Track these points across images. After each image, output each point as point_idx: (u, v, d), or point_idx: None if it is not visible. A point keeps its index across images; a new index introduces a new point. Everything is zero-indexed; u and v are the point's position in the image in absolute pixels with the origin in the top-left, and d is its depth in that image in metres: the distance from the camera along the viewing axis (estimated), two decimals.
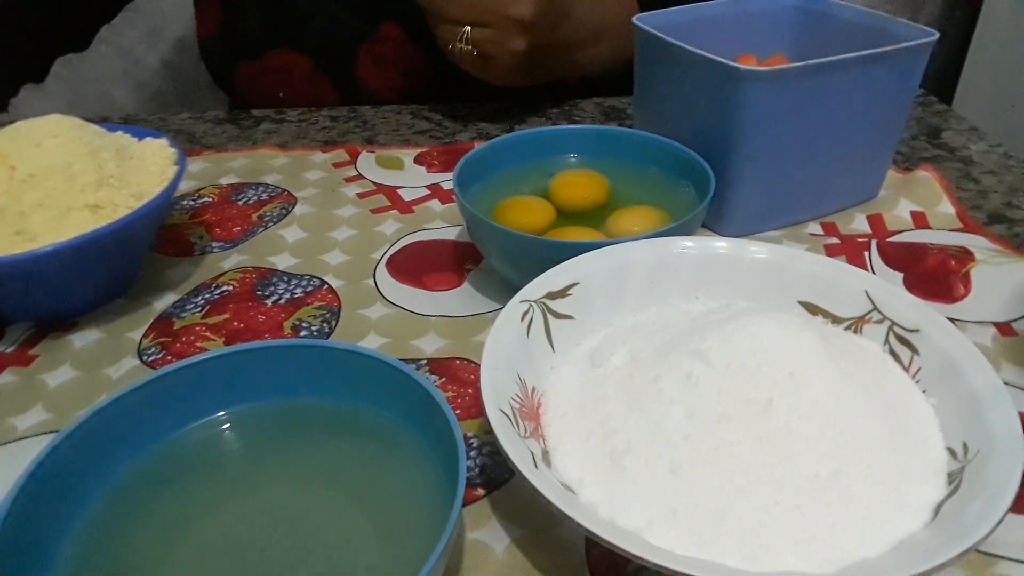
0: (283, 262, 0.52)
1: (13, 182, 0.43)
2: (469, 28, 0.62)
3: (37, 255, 0.40)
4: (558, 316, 0.39)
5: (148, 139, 0.51)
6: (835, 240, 0.53)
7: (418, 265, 0.52)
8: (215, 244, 0.55)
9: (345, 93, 0.78)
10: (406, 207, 0.59)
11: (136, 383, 0.33)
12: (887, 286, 0.39)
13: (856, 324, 0.39)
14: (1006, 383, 0.32)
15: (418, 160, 0.65)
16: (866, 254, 0.51)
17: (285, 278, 0.51)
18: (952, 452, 0.32)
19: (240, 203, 0.60)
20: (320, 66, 0.78)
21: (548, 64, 0.71)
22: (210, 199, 0.60)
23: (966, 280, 0.47)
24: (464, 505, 0.33)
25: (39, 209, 0.43)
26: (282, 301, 0.49)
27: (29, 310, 0.46)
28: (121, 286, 0.49)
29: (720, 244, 0.42)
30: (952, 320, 0.37)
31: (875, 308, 0.38)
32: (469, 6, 0.61)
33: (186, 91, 1.39)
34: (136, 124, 0.53)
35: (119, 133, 0.51)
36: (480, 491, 0.36)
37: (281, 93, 0.79)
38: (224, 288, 0.50)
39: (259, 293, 0.49)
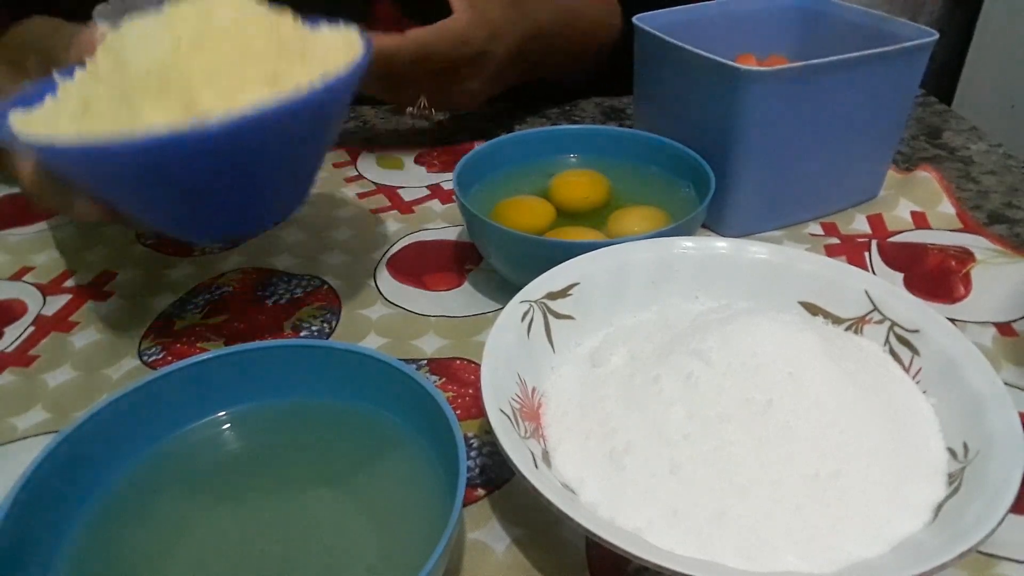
0: (283, 262, 0.52)
1: (181, 49, 0.36)
2: (424, 100, 0.64)
3: (208, 133, 0.33)
4: (558, 316, 0.39)
5: (325, 27, 0.43)
6: (835, 240, 0.53)
7: (418, 265, 0.52)
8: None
9: None
10: (406, 207, 0.59)
11: (136, 383, 0.33)
12: (887, 286, 0.39)
13: (856, 324, 0.39)
14: (1006, 383, 0.32)
15: (418, 160, 0.65)
16: (866, 254, 0.51)
17: (285, 278, 0.51)
18: (952, 452, 0.32)
19: None
20: None
21: (513, 80, 0.69)
22: None
23: (966, 280, 0.47)
24: (464, 505, 0.33)
25: (210, 80, 0.35)
26: (282, 301, 0.48)
27: (190, 222, 0.40)
28: (299, 194, 0.42)
29: (720, 244, 0.42)
30: (952, 320, 0.37)
31: (875, 308, 0.38)
32: (423, 88, 0.62)
33: None
34: None
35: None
36: (480, 491, 0.36)
37: None
38: (224, 289, 0.50)
39: (259, 293, 0.49)
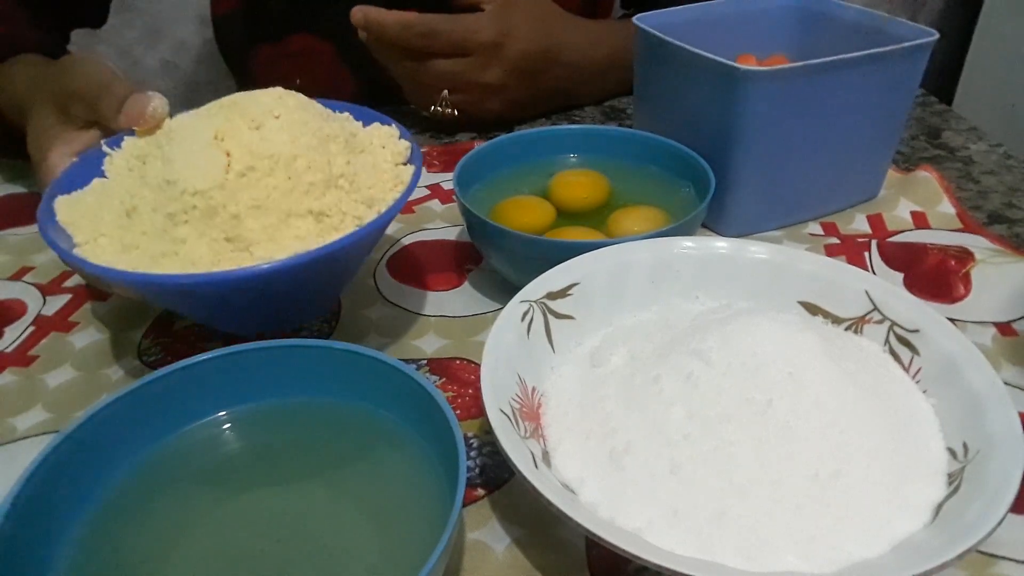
0: None
1: (230, 175, 0.36)
2: (447, 92, 0.65)
3: (251, 273, 0.34)
4: (558, 316, 0.39)
5: (375, 125, 0.44)
6: (835, 240, 0.53)
7: (418, 265, 0.52)
8: None
9: (363, 81, 0.78)
10: (406, 207, 0.59)
11: (136, 383, 0.33)
12: (887, 286, 0.39)
13: (856, 324, 0.39)
14: (1006, 383, 0.32)
15: None
16: (866, 254, 0.51)
17: None
18: (952, 452, 0.32)
19: None
20: (341, 54, 0.77)
21: (540, 106, 0.72)
22: None
23: (966, 280, 0.47)
24: (464, 505, 0.33)
25: (256, 212, 0.36)
26: None
27: (227, 324, 0.42)
28: (331, 300, 0.44)
29: (720, 244, 0.42)
30: (952, 320, 0.37)
31: (875, 308, 0.38)
32: (441, 74, 0.63)
33: (186, 91, 1.39)
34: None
35: (345, 116, 0.44)
36: (480, 491, 0.36)
37: (298, 80, 0.78)
38: None
39: None
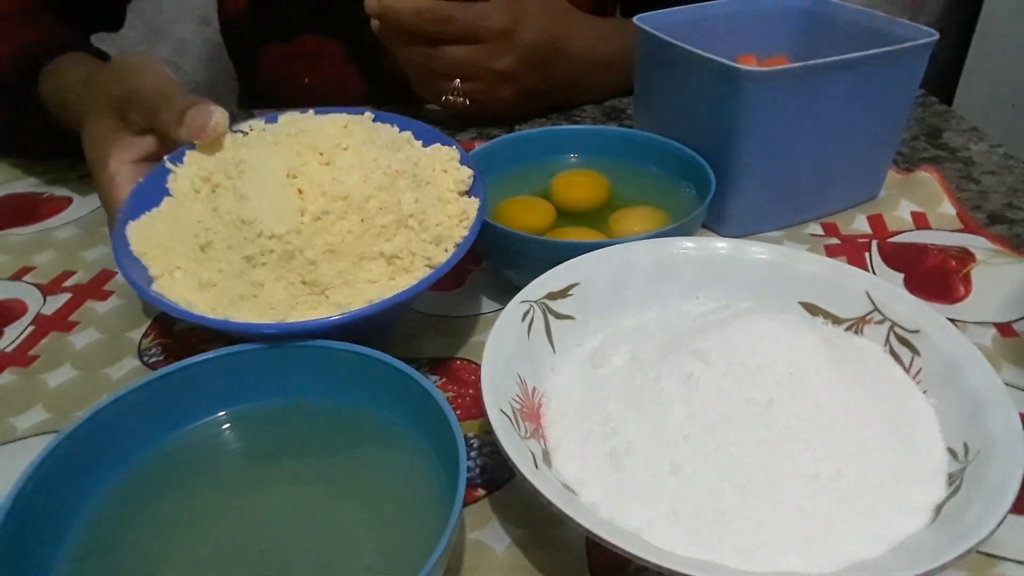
0: None
1: (305, 218, 0.36)
2: (459, 81, 0.65)
3: (329, 324, 0.35)
4: (559, 316, 0.39)
5: (436, 147, 0.44)
6: (835, 241, 0.53)
7: None
8: None
9: (371, 82, 0.78)
10: None
11: (136, 383, 0.33)
12: (888, 287, 0.39)
13: (857, 325, 0.39)
14: (1006, 383, 0.32)
15: None
16: (866, 254, 0.51)
17: None
18: (952, 453, 0.32)
19: None
20: (351, 53, 0.77)
21: (549, 99, 0.72)
22: None
23: (966, 281, 0.47)
24: (464, 505, 0.33)
25: (330, 256, 0.37)
26: None
27: None
28: (389, 332, 0.45)
29: (720, 244, 0.42)
30: (952, 320, 0.37)
31: (876, 309, 0.38)
32: (454, 62, 0.64)
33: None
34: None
35: (407, 136, 0.44)
36: (480, 491, 0.36)
37: (307, 79, 0.79)
38: None
39: None
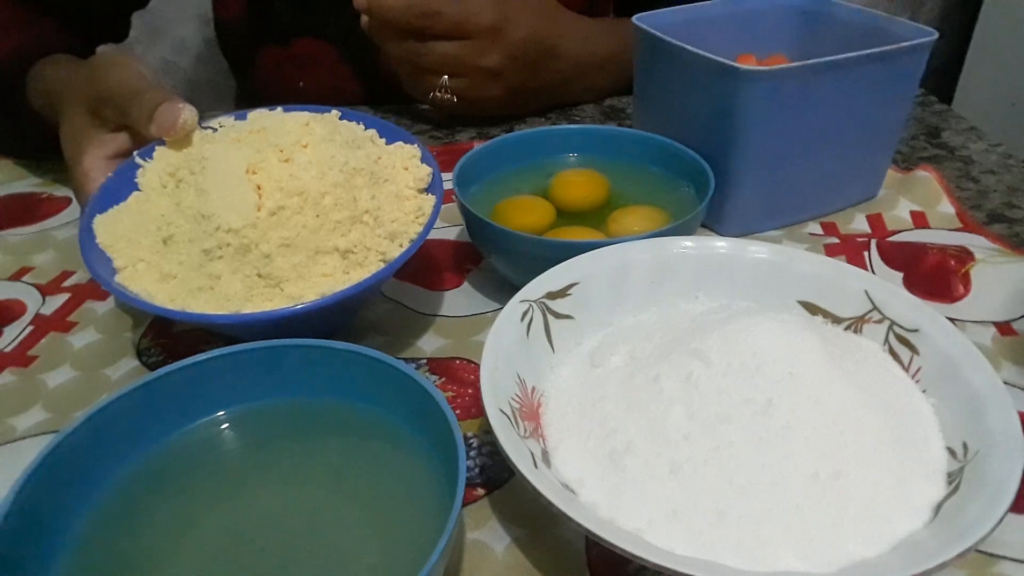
0: None
1: (261, 213, 0.37)
2: (447, 77, 0.65)
3: (282, 315, 0.37)
4: (558, 316, 0.39)
5: (399, 144, 0.45)
6: (835, 240, 0.53)
7: (418, 265, 0.52)
8: None
9: (365, 84, 0.78)
10: None
11: (136, 383, 0.33)
12: (887, 286, 0.39)
13: (856, 324, 0.39)
14: (1006, 383, 0.32)
15: None
16: (866, 254, 0.51)
17: None
18: (952, 452, 0.32)
19: None
20: (345, 56, 0.78)
21: (538, 100, 0.72)
22: None
23: (966, 280, 0.47)
24: (464, 505, 0.33)
25: (286, 250, 0.38)
26: None
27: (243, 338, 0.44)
28: (348, 323, 0.46)
29: (720, 244, 0.42)
30: (952, 320, 0.37)
31: (875, 308, 0.38)
32: (441, 58, 0.64)
33: (186, 91, 1.39)
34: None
35: (371, 134, 0.45)
36: (480, 491, 0.36)
37: (302, 82, 0.79)
38: None
39: None
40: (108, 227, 0.41)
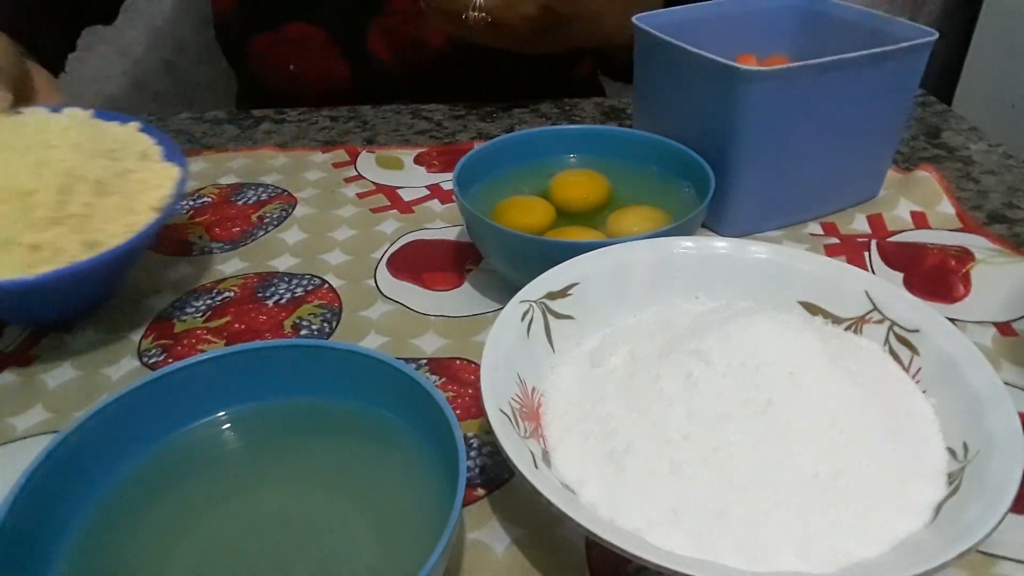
0: (284, 263, 0.52)
1: None
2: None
3: None
4: (558, 316, 0.39)
5: (164, 164, 0.48)
6: (835, 240, 0.53)
7: (418, 265, 0.52)
8: (214, 244, 0.55)
9: (354, 65, 0.80)
10: (406, 207, 0.59)
11: (136, 383, 0.33)
12: (887, 286, 0.39)
13: (856, 324, 0.39)
14: (1006, 383, 0.32)
15: (418, 160, 0.65)
16: (866, 254, 0.51)
17: (286, 278, 0.51)
18: (952, 452, 0.32)
19: (240, 203, 0.60)
20: (334, 40, 0.79)
21: (569, 32, 0.70)
22: (209, 199, 0.60)
23: (966, 280, 0.47)
24: (464, 505, 0.33)
25: None
26: (283, 301, 0.48)
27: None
28: (96, 297, 0.48)
29: (720, 244, 0.42)
30: (952, 320, 0.37)
31: (875, 308, 0.38)
32: None
33: (186, 91, 1.39)
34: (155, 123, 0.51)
35: (142, 150, 0.48)
36: (480, 491, 0.36)
37: (292, 65, 0.81)
38: (226, 294, 0.49)
39: (260, 295, 0.49)
40: None
